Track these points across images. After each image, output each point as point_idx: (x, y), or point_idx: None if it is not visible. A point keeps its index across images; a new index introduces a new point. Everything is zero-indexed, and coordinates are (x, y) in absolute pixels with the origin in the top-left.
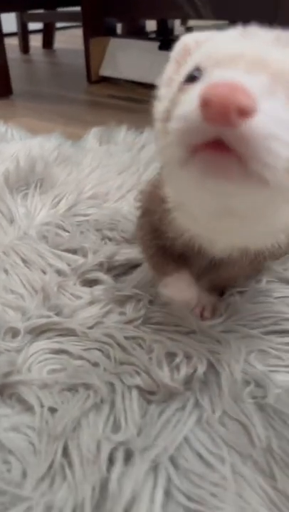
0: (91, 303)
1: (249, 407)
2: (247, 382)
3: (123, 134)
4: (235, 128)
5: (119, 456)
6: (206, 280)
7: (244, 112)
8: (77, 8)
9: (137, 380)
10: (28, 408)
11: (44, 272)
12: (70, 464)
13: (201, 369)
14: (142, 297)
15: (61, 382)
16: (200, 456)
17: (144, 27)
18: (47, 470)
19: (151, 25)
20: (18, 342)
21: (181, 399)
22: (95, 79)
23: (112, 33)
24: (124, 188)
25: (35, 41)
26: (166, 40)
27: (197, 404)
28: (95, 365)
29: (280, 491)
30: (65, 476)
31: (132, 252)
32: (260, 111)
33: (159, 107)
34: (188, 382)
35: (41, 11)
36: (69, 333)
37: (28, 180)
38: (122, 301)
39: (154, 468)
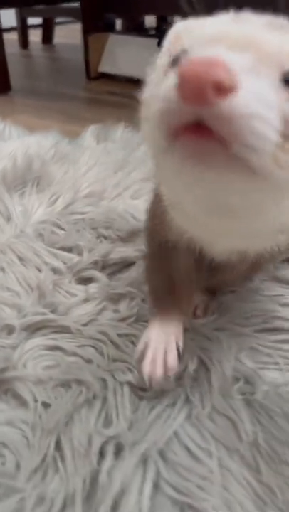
0: (86, 300)
1: (238, 403)
2: (237, 379)
3: (120, 132)
4: (213, 107)
5: (110, 449)
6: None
7: (222, 89)
8: (77, 4)
9: (129, 377)
10: (23, 403)
11: (40, 270)
12: (62, 457)
13: (192, 366)
14: (136, 295)
15: (55, 378)
16: (188, 450)
17: (143, 23)
18: (40, 463)
19: (150, 21)
20: (13, 339)
21: (172, 395)
22: (94, 75)
23: (111, 29)
24: (120, 187)
25: (35, 36)
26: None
27: (187, 401)
28: (89, 361)
29: (265, 483)
30: (57, 469)
31: (126, 251)
32: (242, 88)
33: (145, 93)
34: (179, 378)
35: (41, 6)
36: (63, 330)
37: (25, 179)
38: (116, 299)
39: (144, 461)
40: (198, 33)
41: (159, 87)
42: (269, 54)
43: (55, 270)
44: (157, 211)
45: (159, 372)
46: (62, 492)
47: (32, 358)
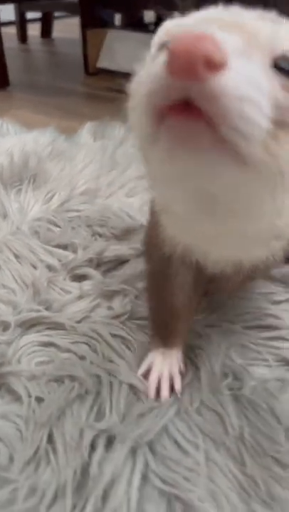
0: (80, 297)
1: (226, 398)
2: (225, 375)
3: (117, 129)
4: (203, 82)
5: (101, 442)
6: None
7: (212, 64)
8: None
9: (123, 376)
10: (17, 398)
11: (35, 268)
12: (54, 450)
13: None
14: (129, 292)
15: (48, 374)
16: (177, 443)
17: (142, 19)
18: (32, 455)
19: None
20: (8, 335)
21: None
22: (93, 71)
23: (109, 24)
24: (115, 185)
25: (34, 30)
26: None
27: (177, 396)
28: (82, 358)
29: (249, 476)
30: (49, 461)
31: (120, 249)
32: (233, 68)
33: (132, 83)
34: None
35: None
36: (57, 326)
37: (22, 176)
38: (109, 296)
39: (133, 454)
40: (188, 21)
41: (147, 72)
42: (260, 39)
43: (50, 267)
44: (153, 226)
45: (165, 395)
46: (54, 483)
47: (26, 354)
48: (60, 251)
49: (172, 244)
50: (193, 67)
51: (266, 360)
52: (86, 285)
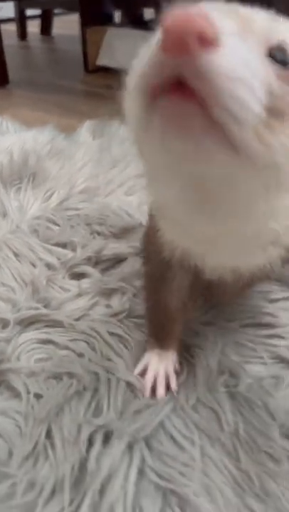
0: (78, 295)
1: (222, 395)
2: (222, 372)
3: (116, 128)
4: (195, 59)
5: (98, 438)
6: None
7: (204, 40)
8: None
9: (120, 373)
10: (16, 394)
11: (34, 266)
12: (53, 445)
13: (179, 359)
14: (127, 290)
15: (47, 371)
16: (173, 439)
17: (142, 16)
18: (31, 450)
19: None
20: (7, 332)
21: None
22: (92, 68)
23: (109, 21)
24: (114, 183)
25: (33, 27)
26: None
27: (173, 394)
28: (80, 355)
29: (243, 471)
30: (47, 456)
31: (119, 247)
32: (226, 47)
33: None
34: None
35: None
36: (56, 324)
37: (21, 174)
38: (108, 294)
39: (130, 449)
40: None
41: (142, 56)
42: (256, 27)
43: (49, 266)
44: (152, 230)
45: (161, 393)
46: (52, 478)
47: (25, 351)
48: (59, 249)
49: (170, 249)
50: (186, 42)
51: (262, 357)
52: (85, 283)
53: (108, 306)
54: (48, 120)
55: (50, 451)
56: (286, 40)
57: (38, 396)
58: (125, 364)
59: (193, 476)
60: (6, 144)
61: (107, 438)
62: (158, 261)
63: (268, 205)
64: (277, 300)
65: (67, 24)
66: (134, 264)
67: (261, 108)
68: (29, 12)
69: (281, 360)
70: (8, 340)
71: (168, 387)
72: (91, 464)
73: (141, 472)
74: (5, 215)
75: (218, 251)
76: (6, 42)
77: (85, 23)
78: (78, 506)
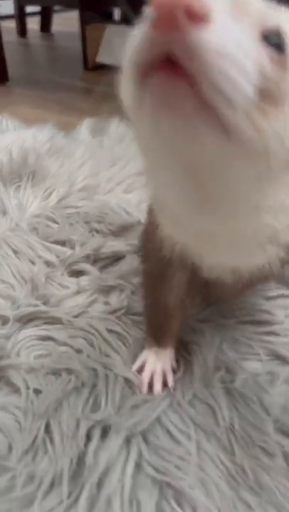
0: (77, 293)
1: (218, 391)
2: (218, 368)
3: (115, 125)
4: (184, 35)
5: (96, 433)
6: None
7: (194, 16)
8: None
9: (118, 369)
10: (16, 390)
11: (33, 263)
12: (52, 440)
13: (176, 356)
14: (125, 287)
15: (46, 367)
16: (169, 433)
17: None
18: (30, 444)
19: None
20: (7, 329)
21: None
22: (92, 66)
23: (109, 19)
24: (113, 181)
25: (33, 24)
26: None
27: (170, 390)
28: (79, 351)
29: (238, 464)
30: (46, 450)
31: (117, 245)
32: (216, 23)
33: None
34: None
35: None
36: (55, 321)
37: (21, 173)
38: (106, 291)
39: (128, 443)
40: None
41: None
42: (250, 10)
43: (48, 263)
44: (151, 226)
45: (158, 388)
46: (51, 471)
47: (25, 348)
48: (58, 247)
49: (169, 245)
50: (175, 18)
51: (258, 354)
52: (83, 280)
53: (106, 303)
54: (48, 118)
55: (49, 446)
56: (281, 24)
57: (37, 391)
58: (123, 360)
59: (189, 469)
60: (6, 142)
61: (104, 432)
62: (157, 258)
63: (264, 198)
64: (273, 298)
65: (66, 21)
66: (132, 262)
67: (253, 90)
68: (29, 9)
69: (277, 357)
70: (7, 337)
71: (165, 384)
72: (89, 458)
73: (138, 466)
74: (5, 213)
75: (216, 248)
76: (5, 39)
77: (84, 21)
78: (76, 499)
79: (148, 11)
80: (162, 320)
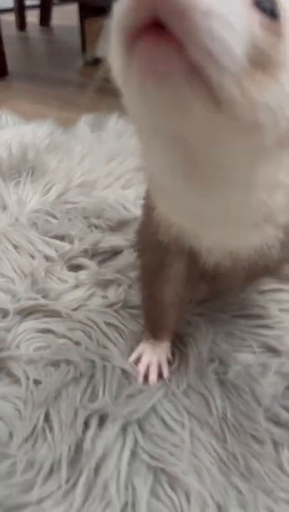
0: (76, 287)
1: (211, 382)
2: (212, 360)
3: (114, 121)
4: None
5: (94, 421)
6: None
7: None
8: None
9: (116, 361)
10: (16, 380)
11: (33, 258)
12: (51, 428)
13: (172, 348)
14: (123, 281)
15: (45, 358)
16: (164, 422)
17: None
18: (30, 433)
19: None
20: (7, 322)
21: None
22: (91, 60)
23: (108, 12)
24: (112, 177)
25: (32, 17)
26: None
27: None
28: (77, 343)
29: (230, 452)
30: (45, 438)
31: (115, 240)
32: None
33: None
34: None
35: None
36: (54, 314)
37: (20, 168)
38: (104, 285)
39: (124, 431)
40: None
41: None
42: None
43: (47, 258)
44: (148, 210)
45: (153, 378)
46: (50, 458)
47: (25, 340)
48: (57, 242)
49: (165, 227)
50: None
51: (251, 346)
52: (82, 275)
53: (104, 296)
54: (47, 113)
55: (48, 433)
56: None
57: (36, 382)
58: (120, 352)
59: (183, 456)
60: (5, 137)
61: (102, 421)
62: (153, 246)
63: (255, 175)
64: (267, 292)
65: (66, 15)
66: (129, 257)
67: (243, 53)
68: (28, 2)
69: (269, 349)
70: (8, 330)
71: (160, 375)
72: (87, 445)
73: (133, 453)
74: (4, 208)
75: (212, 227)
76: (4, 32)
77: (83, 14)
78: (74, 484)
79: None
80: (159, 314)
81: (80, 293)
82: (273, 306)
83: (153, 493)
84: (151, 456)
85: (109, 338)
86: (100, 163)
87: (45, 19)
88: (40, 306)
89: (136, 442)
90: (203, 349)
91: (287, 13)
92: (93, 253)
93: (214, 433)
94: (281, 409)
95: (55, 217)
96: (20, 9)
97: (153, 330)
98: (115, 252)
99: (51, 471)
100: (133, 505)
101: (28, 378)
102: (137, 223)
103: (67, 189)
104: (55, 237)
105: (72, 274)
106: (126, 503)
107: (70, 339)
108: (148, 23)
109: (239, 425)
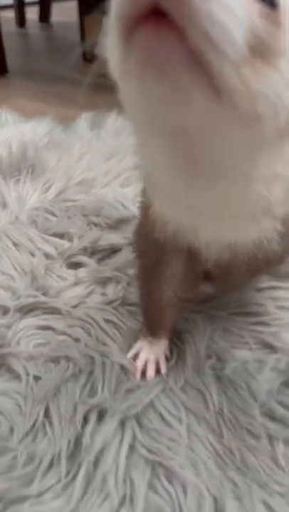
0: (75, 284)
1: (208, 377)
2: (209, 356)
3: (113, 119)
4: None
5: (93, 416)
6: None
7: None
8: None
9: (114, 357)
10: (16, 376)
11: (33, 255)
12: (51, 423)
13: (169, 345)
14: (122, 279)
15: (45, 355)
16: (162, 417)
17: None
18: (30, 427)
19: None
20: (8, 319)
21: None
22: (90, 57)
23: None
24: (111, 175)
25: (32, 13)
26: None
27: (163, 376)
28: (76, 340)
29: (226, 446)
30: (45, 433)
31: (114, 238)
32: None
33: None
34: None
35: None
36: (54, 311)
37: (20, 166)
38: (103, 282)
39: (122, 426)
40: None
41: None
42: None
43: (47, 255)
44: (145, 209)
45: (151, 374)
46: (50, 452)
47: (25, 337)
48: (57, 240)
49: (162, 225)
50: None
51: (247, 343)
52: (81, 272)
53: (103, 294)
54: (47, 111)
55: (48, 428)
56: None
57: (36, 378)
58: (119, 348)
59: (180, 450)
60: (5, 135)
61: (101, 416)
62: (151, 244)
63: (255, 167)
64: (264, 289)
65: (66, 11)
66: (128, 255)
67: (243, 41)
68: None
69: (265, 345)
70: (8, 326)
71: (158, 371)
72: (86, 440)
73: (132, 447)
74: (4, 206)
75: (210, 221)
76: (4, 29)
77: (83, 11)
78: (74, 477)
79: None
80: (156, 314)
81: (79, 290)
82: (271, 304)
83: (151, 486)
84: (149, 450)
85: (108, 335)
86: (98, 161)
87: (44, 16)
88: (40, 303)
89: (134, 437)
90: (200, 346)
91: (286, 3)
92: (92, 251)
93: (211, 428)
94: (276, 405)
95: (55, 215)
96: (19, 6)
97: (151, 328)
98: (114, 250)
99: (51, 465)
100: (131, 498)
101: (28, 374)
102: (135, 224)
103: (66, 187)
104: (55, 234)
105: (71, 271)
106: (124, 496)
107: (70, 336)
108: (146, 11)
109: (235, 420)
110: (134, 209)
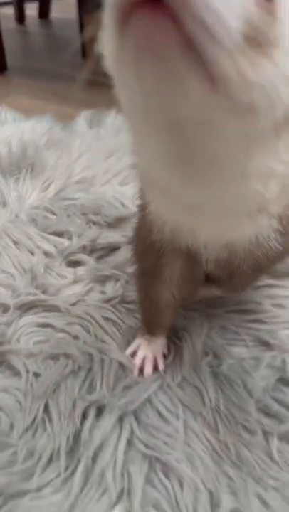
0: (74, 282)
1: (205, 374)
2: (206, 353)
3: (112, 117)
4: None
5: (91, 412)
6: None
7: None
8: None
9: (113, 354)
10: (16, 373)
11: (32, 254)
12: (50, 419)
13: (167, 342)
14: (120, 277)
15: (45, 352)
16: (159, 413)
17: None
18: (30, 423)
19: None
20: (8, 316)
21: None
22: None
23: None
24: (110, 173)
25: (31, 10)
26: None
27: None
28: (75, 338)
29: (222, 441)
30: (45, 428)
31: (113, 236)
32: None
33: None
34: None
35: None
36: (53, 309)
37: (20, 165)
38: (102, 280)
39: (120, 422)
40: None
41: None
42: None
43: (46, 254)
44: (142, 210)
45: (148, 371)
46: (50, 447)
47: (25, 334)
48: (56, 238)
49: (159, 226)
50: None
51: (244, 340)
52: (80, 270)
53: (102, 292)
54: (47, 109)
55: (47, 424)
56: None
57: (36, 375)
58: (117, 346)
59: (177, 445)
60: (5, 134)
61: (99, 412)
62: (148, 246)
63: (250, 163)
64: (261, 287)
65: (65, 8)
66: (127, 253)
67: (238, 30)
68: None
69: (261, 343)
70: (8, 324)
71: (156, 368)
72: (85, 435)
73: (129, 442)
74: (4, 204)
75: (206, 220)
76: (3, 26)
77: (83, 9)
78: (73, 472)
79: None
80: (154, 315)
81: (78, 288)
82: (267, 302)
83: (148, 480)
84: (147, 446)
85: (106, 332)
86: (98, 159)
87: (44, 12)
88: (39, 301)
89: (132, 432)
90: (197, 343)
91: None
92: (91, 249)
93: (207, 423)
94: (272, 401)
95: (54, 214)
96: (19, 2)
97: (149, 327)
98: (113, 248)
99: (50, 460)
100: (129, 492)
101: (28, 371)
102: (133, 228)
103: (66, 185)
104: (54, 233)
105: (70, 269)
106: (122, 490)
107: (69, 333)
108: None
109: (231, 416)
110: (133, 207)
